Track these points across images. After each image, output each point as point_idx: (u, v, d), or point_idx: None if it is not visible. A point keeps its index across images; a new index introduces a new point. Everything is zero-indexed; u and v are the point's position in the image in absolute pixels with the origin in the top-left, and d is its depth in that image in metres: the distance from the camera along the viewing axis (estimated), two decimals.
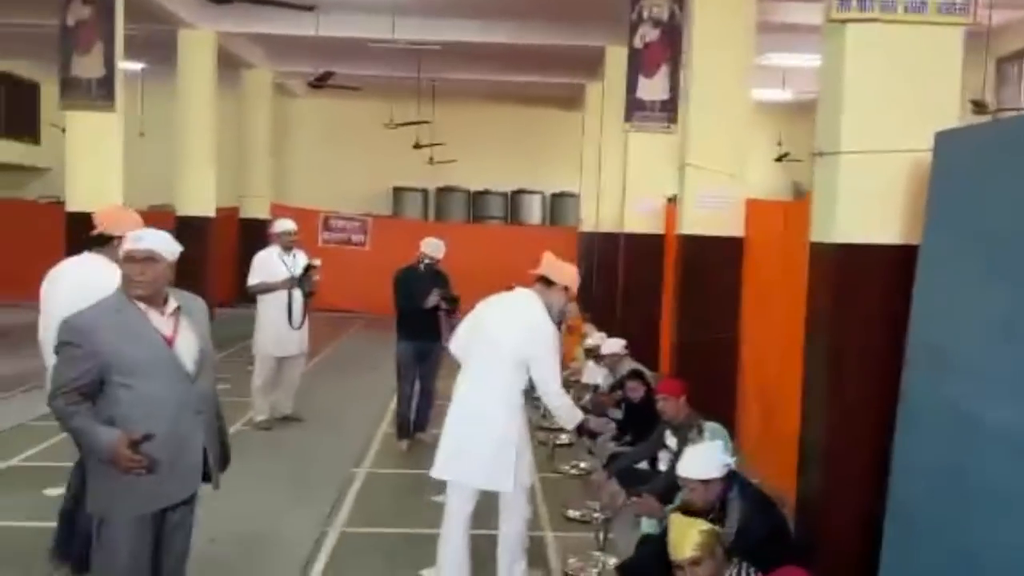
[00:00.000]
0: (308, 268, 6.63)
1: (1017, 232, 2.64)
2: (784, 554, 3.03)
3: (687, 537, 2.69)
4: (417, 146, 15.19)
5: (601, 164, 11.61)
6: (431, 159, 15.92)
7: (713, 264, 6.29)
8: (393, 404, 6.65)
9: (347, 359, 9.93)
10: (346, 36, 11.66)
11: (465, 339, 3.92)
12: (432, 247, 6.48)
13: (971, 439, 2.75)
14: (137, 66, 13.39)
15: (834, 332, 3.48)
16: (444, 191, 17.66)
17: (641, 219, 8.77)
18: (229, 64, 13.44)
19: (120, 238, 3.07)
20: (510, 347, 3.74)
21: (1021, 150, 2.68)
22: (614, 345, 6.61)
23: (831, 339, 3.50)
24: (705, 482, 3.16)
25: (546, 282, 3.89)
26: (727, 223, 6.26)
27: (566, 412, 3.86)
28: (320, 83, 13.04)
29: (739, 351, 6.34)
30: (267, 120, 15.08)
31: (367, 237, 14.45)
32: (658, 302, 8.20)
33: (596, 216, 11.99)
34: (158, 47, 11.96)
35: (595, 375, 7.11)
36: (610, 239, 10.52)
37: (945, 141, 3.11)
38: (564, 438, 6.58)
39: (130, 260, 2.63)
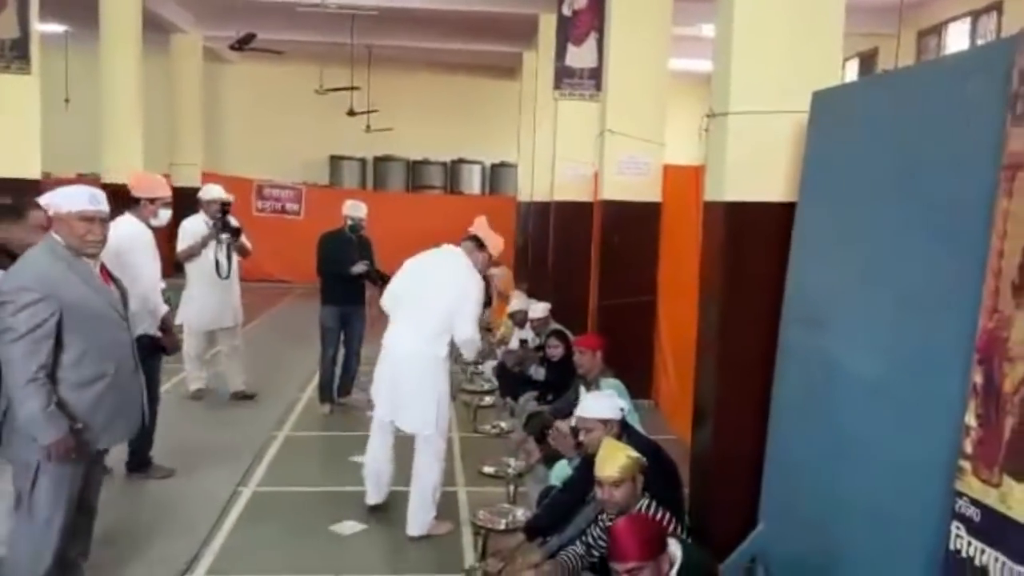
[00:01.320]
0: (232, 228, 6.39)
1: (878, 185, 2.78)
2: (674, 497, 3.25)
3: (616, 459, 2.91)
4: (351, 113, 15.02)
5: (535, 133, 11.67)
6: (368, 127, 15.75)
7: (632, 229, 6.43)
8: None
9: (279, 328, 9.88)
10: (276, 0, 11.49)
11: (396, 293, 4.27)
12: (353, 208, 6.48)
13: (834, 386, 2.91)
14: (59, 28, 12.88)
15: (724, 289, 3.61)
16: (382, 160, 17.50)
17: (571, 187, 8.86)
18: (157, 28, 13.05)
19: (153, 200, 4.47)
20: (440, 299, 4.12)
21: (887, 106, 2.81)
22: (539, 309, 6.74)
23: (721, 296, 3.63)
24: (604, 422, 3.39)
25: (477, 242, 4.32)
26: (645, 189, 6.38)
27: (473, 344, 4.22)
28: (241, 46, 12.67)
29: (656, 314, 6.51)
30: (197, 86, 14.74)
31: (302, 206, 14.30)
32: (587, 268, 8.32)
33: (531, 186, 12.09)
34: (80, 8, 11.50)
35: (516, 338, 7.25)
36: (543, 208, 10.62)
37: (821, 100, 3.23)
38: (488, 400, 6.71)
39: (90, 220, 2.93)
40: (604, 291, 6.51)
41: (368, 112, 15.44)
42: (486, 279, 4.73)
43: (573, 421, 3.58)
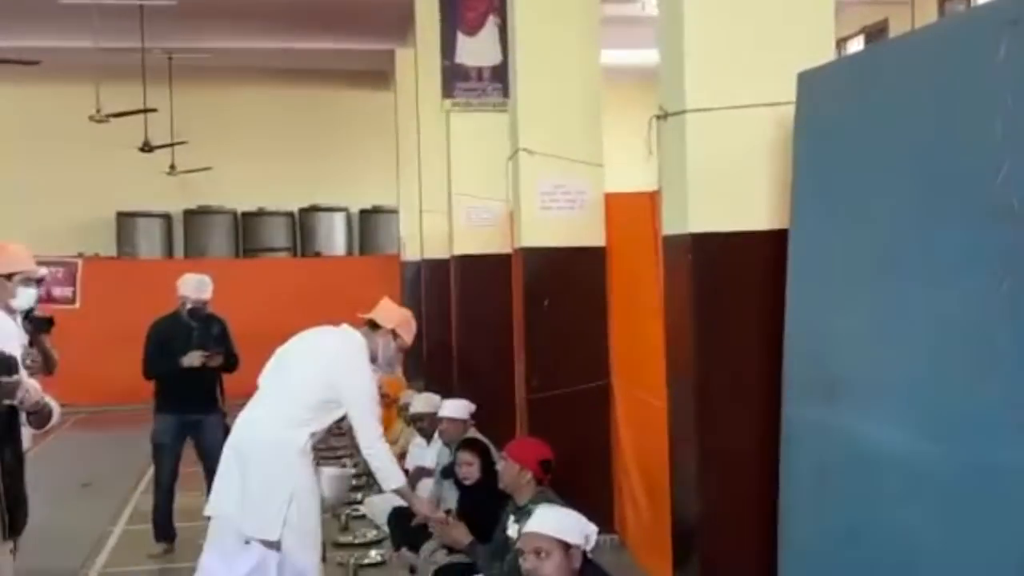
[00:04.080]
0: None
1: (900, 189, 2.95)
2: None
3: None
4: (146, 148, 14.93)
5: (420, 162, 11.89)
6: (172, 167, 15.75)
7: (568, 286, 6.55)
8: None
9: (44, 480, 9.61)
10: None
11: (269, 367, 4.99)
12: (192, 286, 7.10)
13: (861, 475, 3.01)
14: None
15: (697, 358, 3.74)
16: (196, 215, 17.59)
17: (476, 235, 9.01)
18: None
19: (10, 276, 4.95)
20: (311, 378, 4.80)
21: (902, 79, 2.96)
22: (455, 409, 6.77)
23: (695, 367, 3.75)
24: (564, 546, 3.40)
25: (372, 326, 5.02)
26: (581, 228, 6.56)
27: (388, 467, 4.90)
28: None
29: (612, 405, 6.61)
30: None
31: (76, 290, 13.99)
32: (508, 349, 8.42)
33: (420, 238, 12.28)
34: None
35: (424, 455, 7.27)
36: (438, 268, 10.80)
37: (810, 83, 3.43)
38: (373, 555, 6.77)
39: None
40: (535, 379, 6.57)
41: (172, 145, 15.42)
42: None
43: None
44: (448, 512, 5.75)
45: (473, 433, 6.54)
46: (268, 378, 4.97)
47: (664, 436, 4.22)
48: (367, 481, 8.36)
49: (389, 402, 9.11)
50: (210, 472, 6.74)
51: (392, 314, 5.18)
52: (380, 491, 7.70)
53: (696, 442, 3.77)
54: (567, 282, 6.57)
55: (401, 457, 7.89)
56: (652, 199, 5.58)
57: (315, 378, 4.81)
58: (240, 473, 4.79)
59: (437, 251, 10.98)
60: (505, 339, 7.91)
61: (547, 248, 6.57)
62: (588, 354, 6.57)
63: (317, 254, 17.48)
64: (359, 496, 7.95)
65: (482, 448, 5.91)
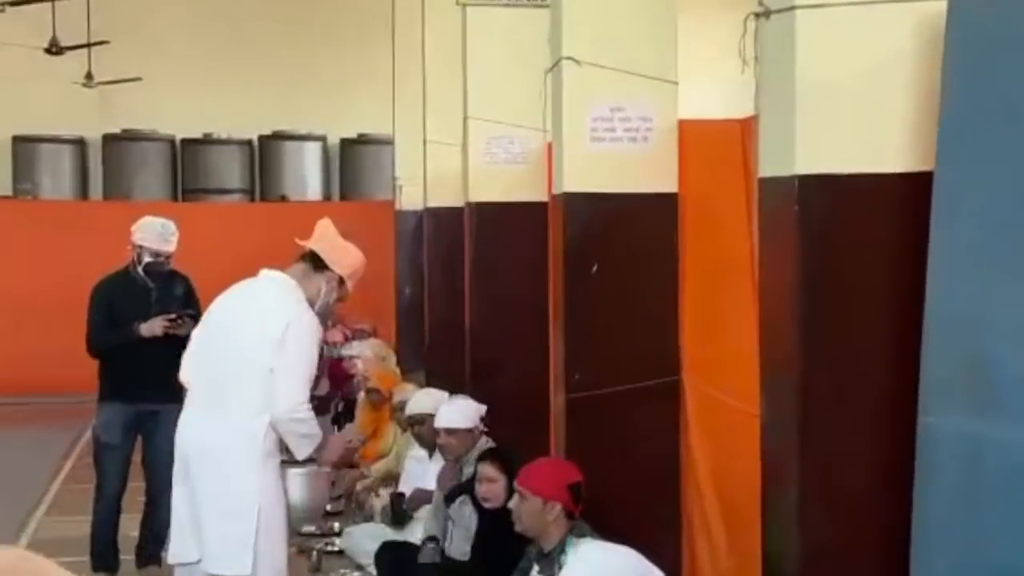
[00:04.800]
0: None
1: None
2: None
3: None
4: (54, 49, 14.96)
5: (425, 75, 11.88)
6: (88, 77, 15.78)
7: (625, 248, 6.54)
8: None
9: None
10: None
11: (192, 353, 5.53)
12: (153, 233, 7.29)
13: None
14: None
15: (803, 351, 3.75)
16: (120, 142, 17.70)
17: (500, 176, 9.02)
18: None
19: None
20: (247, 355, 5.19)
21: None
22: (461, 412, 6.89)
23: (800, 363, 3.75)
24: None
25: (313, 262, 5.39)
26: (647, 167, 6.50)
27: (297, 426, 5.27)
28: None
29: (681, 408, 6.62)
30: None
31: None
32: (541, 332, 8.45)
33: (423, 179, 12.32)
34: None
35: (425, 471, 7.42)
36: (449, 220, 10.83)
37: None
38: (338, 543, 7.45)
39: None
40: (577, 372, 6.58)
41: (88, 47, 15.48)
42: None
43: None
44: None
45: (488, 442, 6.70)
46: (200, 367, 5.42)
47: (753, 451, 4.23)
48: (347, 505, 8.52)
49: (380, 401, 9.21)
50: (155, 491, 7.09)
51: (344, 255, 5.53)
52: (364, 518, 7.93)
53: (798, 460, 3.77)
54: (625, 241, 6.53)
55: (391, 480, 8.00)
56: (744, 129, 5.57)
57: (259, 355, 5.16)
58: (191, 495, 5.20)
59: (446, 197, 11.01)
60: (536, 318, 7.91)
61: (598, 195, 6.52)
62: (651, 340, 6.53)
63: (282, 198, 17.56)
64: (335, 526, 8.06)
65: (508, 460, 6.02)
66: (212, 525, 5.11)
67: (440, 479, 6.97)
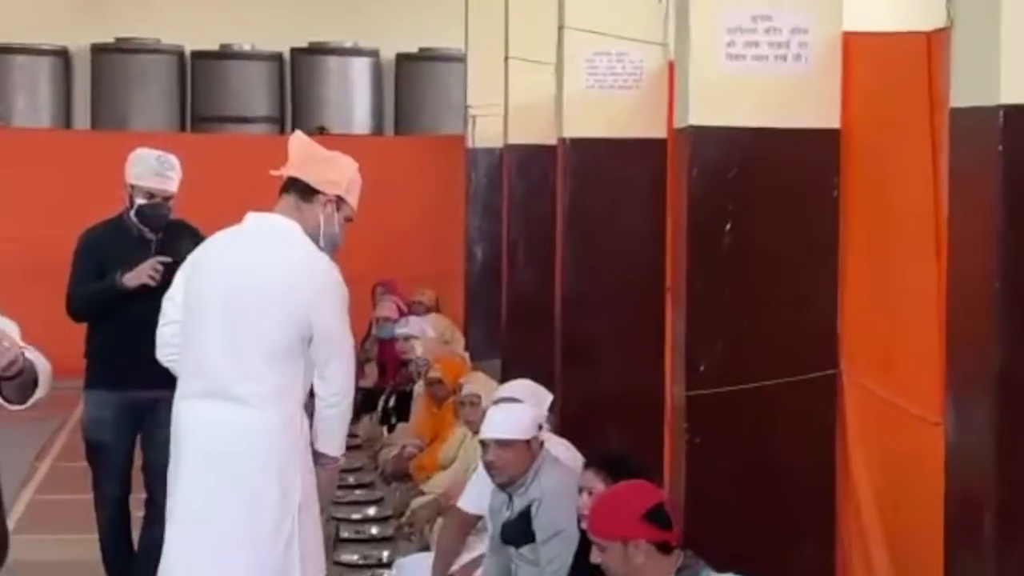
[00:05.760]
0: None
1: None
2: None
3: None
4: None
5: None
6: None
7: (770, 202, 6.56)
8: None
9: None
10: None
11: (183, 329, 5.72)
12: (148, 168, 7.44)
13: None
14: None
15: (1007, 337, 3.73)
16: (112, 54, 17.85)
17: (606, 104, 9.05)
18: None
19: None
20: (273, 324, 5.50)
21: None
22: (509, 417, 6.83)
23: (1001, 356, 3.73)
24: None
25: (299, 191, 5.67)
26: (799, 95, 6.51)
27: (348, 419, 5.89)
28: None
29: (839, 410, 6.63)
30: None
31: None
32: (657, 309, 8.45)
33: (505, 105, 12.39)
34: None
35: (491, 503, 7.34)
36: (537, 161, 10.95)
37: None
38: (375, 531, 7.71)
39: None
40: (703, 362, 6.57)
41: None
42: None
43: None
44: None
45: (564, 449, 6.85)
46: (199, 343, 5.62)
47: (932, 467, 4.20)
48: (399, 529, 8.56)
49: (443, 395, 9.24)
50: (160, 500, 6.92)
51: (332, 168, 5.81)
52: (420, 546, 7.97)
53: (996, 481, 3.74)
54: (769, 192, 6.54)
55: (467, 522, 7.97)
56: (931, 45, 5.50)
57: (294, 316, 5.51)
58: (197, 520, 5.46)
59: (533, 132, 11.12)
60: (650, 292, 7.93)
61: (735, 131, 6.52)
62: (802, 321, 6.56)
63: (321, 130, 17.34)
64: (383, 555, 8.11)
65: (619, 466, 5.96)
66: (224, 534, 5.41)
67: (493, 511, 7.02)
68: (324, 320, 5.51)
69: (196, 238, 7.34)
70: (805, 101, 6.51)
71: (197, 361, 5.58)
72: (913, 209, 5.62)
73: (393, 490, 8.92)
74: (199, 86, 18.11)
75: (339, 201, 5.66)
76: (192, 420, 5.52)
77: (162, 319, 5.81)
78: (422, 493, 8.86)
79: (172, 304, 5.77)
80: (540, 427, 6.96)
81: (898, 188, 5.92)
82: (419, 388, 10.02)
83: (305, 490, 5.42)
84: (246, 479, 5.34)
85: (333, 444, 5.75)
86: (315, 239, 5.57)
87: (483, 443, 6.93)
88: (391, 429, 10.67)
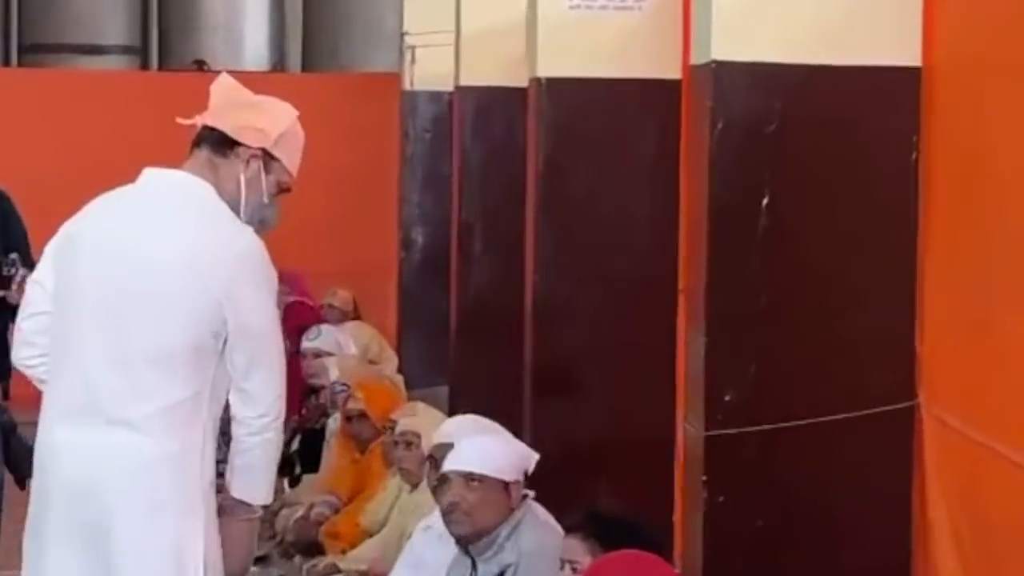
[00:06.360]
0: None
1: None
2: None
3: None
4: None
5: None
6: None
7: (821, 167, 6.63)
8: None
9: None
10: None
11: (47, 330, 5.65)
12: None
13: None
14: None
15: None
16: None
17: (597, 33, 9.07)
18: None
19: None
20: (172, 323, 5.42)
21: None
22: (490, 450, 7.05)
23: None
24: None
25: (214, 144, 5.61)
26: (856, 19, 6.59)
27: (270, 471, 5.72)
28: None
29: (915, 455, 6.66)
30: None
31: None
32: (667, 316, 8.49)
33: (457, 35, 12.41)
34: None
35: (441, 558, 7.44)
36: (503, 112, 11.07)
37: None
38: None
39: None
40: (727, 392, 6.62)
41: None
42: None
43: None
44: None
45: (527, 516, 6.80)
46: (70, 350, 5.52)
47: None
48: None
49: (368, 435, 9.27)
50: None
51: (257, 115, 5.65)
52: None
53: None
54: (822, 156, 6.64)
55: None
56: None
57: (198, 312, 5.41)
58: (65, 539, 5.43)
59: (495, 70, 11.23)
60: (655, 295, 7.98)
61: (775, 67, 6.62)
62: (865, 338, 6.65)
63: (199, 65, 17.77)
64: None
65: (612, 531, 6.08)
66: None
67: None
68: (244, 312, 5.42)
69: (5, 209, 7.69)
70: (878, 29, 6.60)
71: (69, 371, 5.52)
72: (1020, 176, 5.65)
73: (296, 567, 8.92)
74: (28, 5, 18.23)
75: (267, 158, 5.57)
76: (58, 451, 5.49)
77: (24, 309, 5.74)
78: (338, 571, 8.88)
79: (40, 289, 5.64)
80: (525, 474, 7.08)
81: (1002, 151, 5.94)
82: (333, 425, 10.04)
83: (212, 545, 5.41)
84: (130, 529, 5.32)
85: (256, 488, 5.66)
86: (235, 207, 5.50)
87: (441, 480, 7.04)
88: (294, 482, 10.72)
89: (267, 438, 5.55)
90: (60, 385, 5.52)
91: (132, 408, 5.32)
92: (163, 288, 5.34)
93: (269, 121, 5.58)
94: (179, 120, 5.70)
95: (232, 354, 5.42)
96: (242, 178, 5.51)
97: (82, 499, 5.34)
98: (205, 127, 5.58)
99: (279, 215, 5.81)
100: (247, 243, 5.47)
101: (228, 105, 5.60)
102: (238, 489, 5.58)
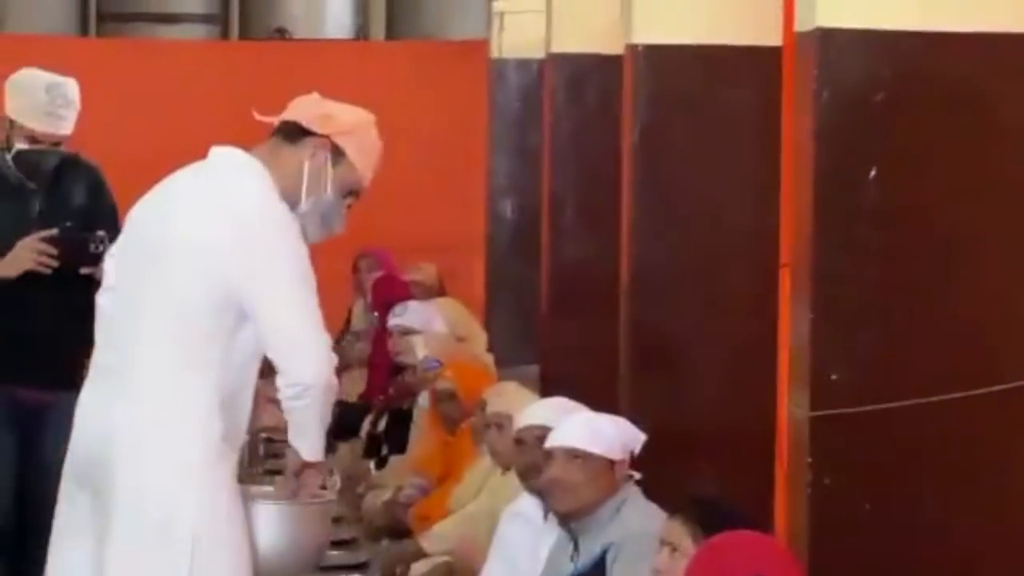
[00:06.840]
0: None
1: None
2: None
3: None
4: None
5: None
6: None
7: (935, 141, 6.54)
8: None
9: None
10: None
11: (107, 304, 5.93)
12: (30, 98, 7.59)
13: None
14: None
15: None
16: None
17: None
18: None
19: None
20: (181, 283, 5.57)
21: None
22: (591, 427, 7.02)
23: None
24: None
25: (285, 133, 5.81)
26: None
27: (310, 423, 5.82)
28: None
29: None
30: None
31: None
32: (771, 298, 8.45)
33: (548, 2, 12.44)
34: None
35: (534, 542, 7.51)
36: (597, 81, 11.02)
37: None
38: None
39: None
40: (833, 371, 6.55)
41: None
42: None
43: None
44: None
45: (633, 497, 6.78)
46: (112, 318, 5.83)
47: None
48: None
49: (456, 415, 9.22)
50: (30, 524, 7.54)
51: (337, 112, 5.85)
52: None
53: None
54: (935, 126, 6.54)
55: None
56: None
57: (201, 257, 5.57)
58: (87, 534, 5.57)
59: (590, 37, 11.15)
60: (755, 268, 7.92)
61: (886, 34, 6.52)
62: (985, 311, 6.57)
63: (280, 34, 17.86)
64: None
65: (713, 515, 6.05)
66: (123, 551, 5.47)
67: (552, 562, 7.12)
68: (259, 277, 5.52)
69: (92, 180, 7.70)
70: None
71: (99, 336, 5.79)
72: None
73: (384, 550, 8.91)
74: None
75: (335, 151, 5.65)
76: (79, 412, 5.71)
77: (104, 284, 5.94)
78: (426, 554, 8.84)
79: (112, 264, 5.90)
80: (632, 454, 7.11)
81: None
82: (422, 405, 9.99)
83: (210, 521, 5.41)
84: (123, 492, 5.44)
85: (306, 444, 5.80)
86: (293, 197, 5.58)
87: (545, 456, 7.02)
88: (381, 464, 10.70)
89: (303, 404, 5.63)
90: (96, 359, 5.82)
91: (134, 374, 5.54)
92: (175, 249, 5.54)
93: (341, 112, 5.72)
94: (257, 116, 5.82)
95: (256, 324, 5.55)
96: (306, 165, 5.64)
97: (85, 463, 5.62)
98: (282, 121, 5.77)
99: (346, 222, 5.88)
100: (274, 212, 5.53)
101: (306, 103, 5.73)
102: (294, 441, 5.80)
